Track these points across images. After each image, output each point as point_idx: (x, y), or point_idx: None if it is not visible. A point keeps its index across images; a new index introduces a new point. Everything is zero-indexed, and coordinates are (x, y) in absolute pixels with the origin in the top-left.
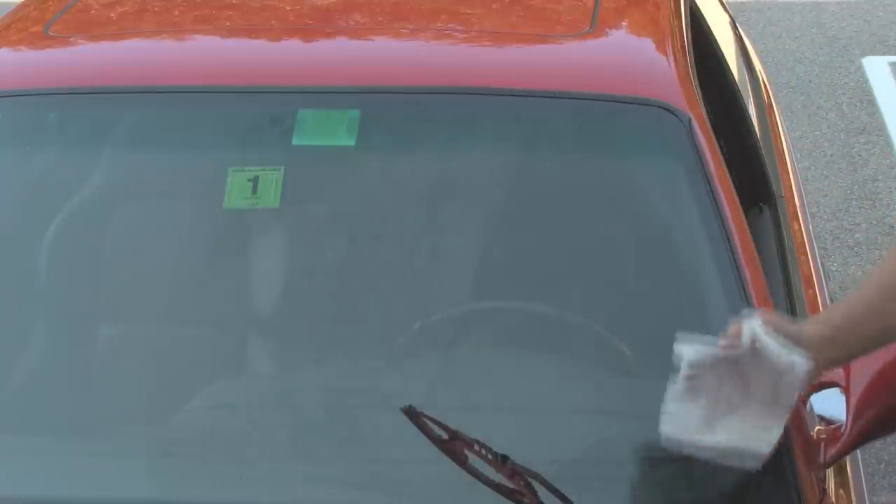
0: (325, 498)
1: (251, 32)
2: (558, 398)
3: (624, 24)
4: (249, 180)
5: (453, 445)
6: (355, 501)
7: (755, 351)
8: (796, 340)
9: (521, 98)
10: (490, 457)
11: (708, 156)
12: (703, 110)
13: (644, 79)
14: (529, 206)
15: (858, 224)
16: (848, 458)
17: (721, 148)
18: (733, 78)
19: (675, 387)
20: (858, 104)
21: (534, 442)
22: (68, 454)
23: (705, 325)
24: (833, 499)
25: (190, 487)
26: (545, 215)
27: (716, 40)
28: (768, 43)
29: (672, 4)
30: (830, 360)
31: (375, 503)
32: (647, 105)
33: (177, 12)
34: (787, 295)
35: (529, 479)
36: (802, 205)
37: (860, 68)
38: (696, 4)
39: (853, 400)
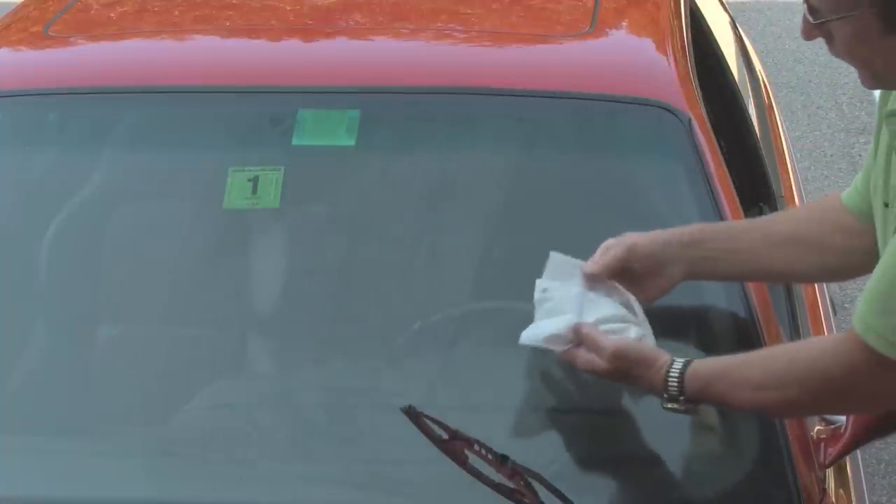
0: (325, 498)
1: (251, 32)
2: (558, 398)
3: (624, 24)
4: (249, 180)
5: (453, 445)
6: (355, 501)
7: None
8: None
9: (521, 98)
10: (490, 457)
11: (708, 156)
12: (703, 110)
13: (644, 79)
14: (529, 207)
15: None
16: (848, 458)
17: (721, 148)
18: (733, 78)
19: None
20: (858, 104)
21: (534, 442)
22: (68, 454)
23: (705, 325)
24: (833, 499)
25: (190, 487)
26: (545, 215)
27: (716, 40)
28: (768, 43)
29: (672, 4)
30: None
31: (375, 503)
32: (647, 105)
33: (177, 12)
34: (786, 294)
35: (529, 479)
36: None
37: None
38: (696, 4)
39: None
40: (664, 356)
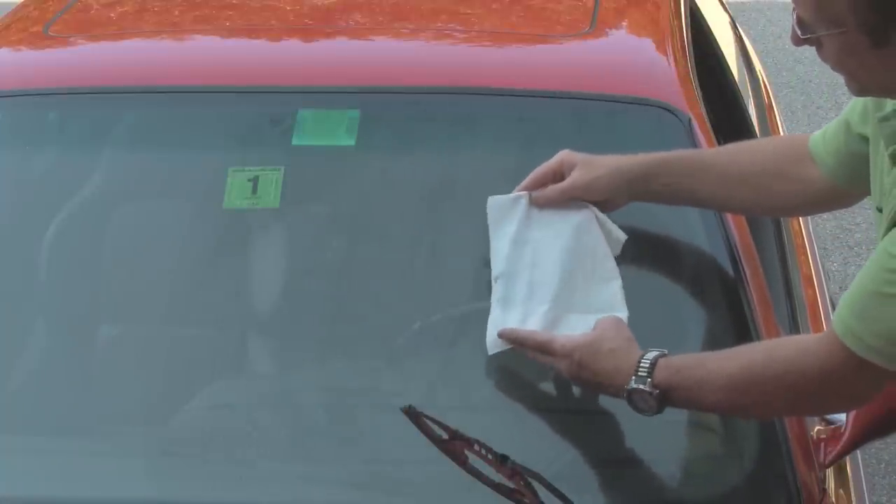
0: (325, 498)
1: (251, 32)
2: (559, 398)
3: (624, 24)
4: (249, 180)
5: (453, 445)
6: (355, 501)
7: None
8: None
9: (521, 98)
10: (490, 457)
11: None
12: (703, 110)
13: (644, 79)
14: None
15: (858, 224)
16: (848, 458)
17: None
18: (733, 78)
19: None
20: None
21: (534, 442)
22: (68, 454)
23: (705, 325)
24: (833, 499)
25: (190, 487)
26: None
27: (716, 40)
28: (768, 43)
29: (672, 4)
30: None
31: (375, 503)
32: (647, 105)
33: (177, 12)
34: (787, 295)
35: (529, 479)
36: None
37: None
38: (696, 4)
39: None
40: (631, 345)
